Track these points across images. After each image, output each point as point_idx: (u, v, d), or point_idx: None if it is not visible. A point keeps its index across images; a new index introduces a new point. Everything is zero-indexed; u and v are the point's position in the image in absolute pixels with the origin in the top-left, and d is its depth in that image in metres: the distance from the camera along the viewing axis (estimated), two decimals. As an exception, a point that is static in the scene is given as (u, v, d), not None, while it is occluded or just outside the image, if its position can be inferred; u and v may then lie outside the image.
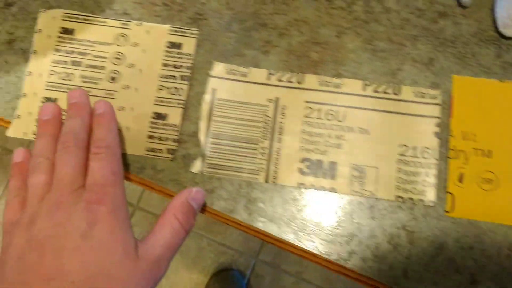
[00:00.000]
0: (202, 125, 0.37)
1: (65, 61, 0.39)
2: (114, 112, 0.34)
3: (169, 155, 0.37)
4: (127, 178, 0.37)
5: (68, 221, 0.29)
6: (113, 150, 0.32)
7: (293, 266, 1.16)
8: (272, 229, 0.36)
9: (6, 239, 0.30)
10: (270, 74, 0.38)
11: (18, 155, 0.35)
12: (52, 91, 0.38)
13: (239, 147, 0.37)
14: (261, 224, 0.36)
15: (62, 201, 0.29)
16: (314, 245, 0.35)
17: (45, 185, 0.31)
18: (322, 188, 0.36)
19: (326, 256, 0.35)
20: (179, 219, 0.32)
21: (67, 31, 0.39)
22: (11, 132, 0.37)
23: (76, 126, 0.33)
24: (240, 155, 0.37)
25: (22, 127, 0.38)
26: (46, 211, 0.29)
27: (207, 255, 1.18)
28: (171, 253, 0.31)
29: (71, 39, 0.39)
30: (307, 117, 0.37)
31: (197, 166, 0.37)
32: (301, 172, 0.36)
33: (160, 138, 0.37)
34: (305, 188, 0.36)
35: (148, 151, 0.37)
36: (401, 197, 0.35)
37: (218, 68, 0.38)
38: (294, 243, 0.35)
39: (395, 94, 0.37)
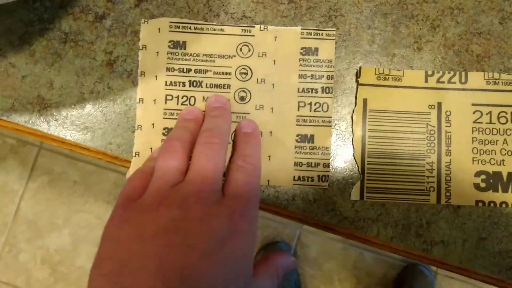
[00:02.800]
0: (356, 143, 0.32)
1: (182, 82, 0.32)
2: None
3: (323, 183, 0.32)
4: (275, 212, 0.32)
5: (207, 221, 0.25)
6: (258, 171, 0.29)
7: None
8: (453, 257, 0.31)
9: (117, 213, 0.26)
10: (428, 75, 0.32)
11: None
12: (173, 120, 0.32)
13: (402, 165, 0.32)
14: (439, 252, 0.31)
15: (202, 197, 0.26)
16: None
17: (177, 171, 0.27)
18: (503, 204, 0.31)
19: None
20: (279, 278, 0.29)
21: (178, 45, 0.33)
22: (131, 173, 0.31)
23: (222, 125, 0.30)
24: (405, 175, 0.32)
25: (143, 166, 0.31)
26: (181, 200, 0.25)
27: (250, 230, 1.14)
28: None
29: (185, 54, 0.32)
30: (476, 122, 0.32)
31: (356, 192, 0.32)
32: (478, 187, 0.32)
33: (309, 165, 0.32)
34: (484, 205, 0.31)
35: (296, 180, 0.32)
36: None
37: (366, 73, 0.32)
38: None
39: None
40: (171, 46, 0.33)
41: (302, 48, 0.33)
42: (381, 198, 0.32)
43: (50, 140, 0.32)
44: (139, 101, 0.32)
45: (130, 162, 0.32)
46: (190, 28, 0.33)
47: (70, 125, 0.32)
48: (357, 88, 0.32)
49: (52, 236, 1.11)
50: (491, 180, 0.32)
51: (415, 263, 1.07)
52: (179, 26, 0.33)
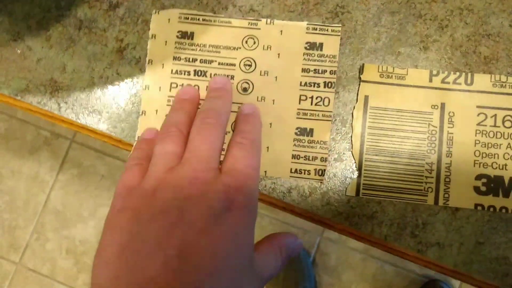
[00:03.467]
0: (355, 139, 0.32)
1: (187, 71, 0.33)
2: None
3: (319, 177, 0.32)
4: (270, 203, 0.32)
5: (202, 198, 0.25)
6: (257, 146, 0.29)
7: (360, 243, 1.12)
8: (448, 259, 0.31)
9: (117, 201, 0.26)
10: (433, 75, 0.32)
11: (149, 132, 0.32)
12: (176, 107, 0.33)
13: (401, 164, 0.31)
14: (434, 254, 0.31)
15: (197, 176, 0.26)
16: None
17: (174, 155, 0.27)
18: (503, 209, 0.31)
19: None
20: (282, 258, 0.28)
21: (186, 35, 0.33)
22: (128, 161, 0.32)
23: (219, 105, 0.30)
24: (403, 174, 0.31)
25: (145, 151, 0.32)
26: (176, 182, 0.26)
27: (270, 233, 1.14)
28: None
29: (192, 44, 0.33)
30: (480, 125, 0.31)
31: (352, 188, 0.32)
32: (478, 191, 0.31)
33: (306, 158, 0.32)
34: (483, 209, 0.31)
35: (292, 173, 0.32)
36: None
37: (370, 70, 0.32)
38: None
39: None
40: (179, 36, 0.34)
41: (306, 43, 0.33)
42: (377, 196, 0.32)
43: (59, 121, 0.34)
44: (145, 87, 0.33)
45: (133, 145, 0.33)
46: (198, 19, 0.34)
47: (79, 107, 0.34)
48: (359, 84, 0.32)
49: (78, 227, 1.14)
50: (492, 184, 0.31)
51: (436, 279, 1.05)
52: (188, 17, 0.34)
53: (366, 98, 0.32)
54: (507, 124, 0.31)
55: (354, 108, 0.32)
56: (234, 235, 0.25)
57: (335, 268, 1.12)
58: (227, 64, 0.33)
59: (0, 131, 1.17)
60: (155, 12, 0.34)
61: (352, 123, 0.32)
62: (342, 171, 0.32)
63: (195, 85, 0.33)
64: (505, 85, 0.32)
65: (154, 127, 0.33)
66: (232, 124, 0.32)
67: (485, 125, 0.31)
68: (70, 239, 1.14)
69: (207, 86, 0.33)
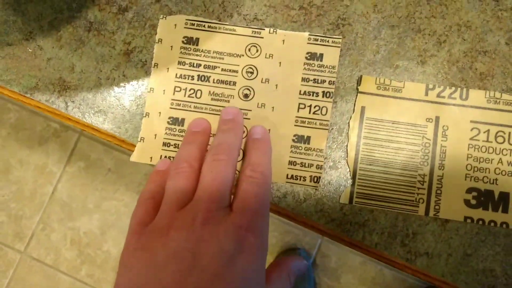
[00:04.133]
0: (350, 148, 0.33)
1: (191, 76, 0.34)
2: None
3: (314, 184, 0.33)
4: (265, 208, 0.33)
5: (215, 241, 0.26)
6: (267, 178, 0.30)
7: (360, 248, 1.12)
8: (436, 269, 0.31)
9: (132, 238, 0.27)
10: (429, 89, 0.33)
11: (163, 164, 0.32)
12: (179, 110, 0.34)
13: (394, 174, 0.32)
14: (422, 263, 0.31)
15: (209, 217, 0.26)
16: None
17: (185, 192, 0.28)
18: (492, 223, 0.31)
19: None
20: (291, 282, 0.30)
21: (191, 41, 0.35)
22: (135, 157, 0.34)
23: (231, 140, 0.30)
24: (396, 184, 0.32)
25: (147, 152, 0.34)
26: (189, 223, 0.26)
27: (272, 234, 1.15)
28: None
29: (196, 50, 0.34)
30: (473, 139, 0.32)
31: (345, 196, 0.32)
32: (468, 204, 0.32)
33: (302, 165, 0.33)
34: (473, 222, 0.31)
35: (288, 178, 0.33)
36: None
37: (367, 82, 0.33)
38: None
39: None
40: (185, 41, 0.35)
41: (307, 53, 0.34)
42: (369, 204, 0.32)
43: (66, 120, 0.35)
44: (150, 90, 0.35)
45: (135, 146, 0.34)
46: (204, 26, 0.35)
47: (86, 107, 0.35)
48: (356, 95, 0.33)
49: (83, 219, 1.16)
50: (482, 198, 0.32)
51: (434, 286, 1.05)
52: (194, 23, 0.35)
53: (363, 109, 0.33)
54: (500, 139, 0.32)
55: (350, 118, 0.33)
56: (246, 278, 0.25)
57: (334, 270, 1.13)
58: (230, 71, 0.34)
59: (10, 121, 1.19)
60: (162, 18, 0.35)
61: (348, 133, 0.33)
62: (337, 179, 0.33)
63: (198, 90, 0.34)
64: (499, 101, 0.32)
65: (156, 129, 0.34)
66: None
67: (478, 140, 0.32)
68: (75, 230, 1.16)
69: (209, 91, 0.34)
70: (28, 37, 0.35)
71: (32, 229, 1.16)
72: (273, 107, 0.34)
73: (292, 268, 0.30)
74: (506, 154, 0.32)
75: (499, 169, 0.32)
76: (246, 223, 0.27)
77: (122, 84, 0.35)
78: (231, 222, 0.27)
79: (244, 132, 0.33)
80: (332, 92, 0.33)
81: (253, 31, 0.34)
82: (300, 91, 0.34)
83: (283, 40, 0.34)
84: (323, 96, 0.34)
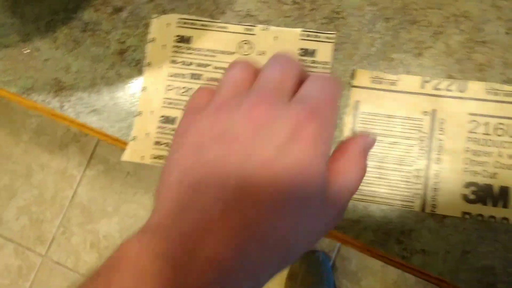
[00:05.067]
0: (344, 144, 0.32)
1: (183, 74, 0.34)
2: None
3: (308, 180, 0.32)
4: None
5: (267, 124, 0.22)
6: (337, 83, 0.25)
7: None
8: (433, 267, 0.30)
9: (182, 122, 0.25)
10: (425, 81, 0.32)
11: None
12: (171, 109, 0.34)
13: (389, 170, 0.31)
14: (419, 261, 0.31)
15: (265, 101, 0.23)
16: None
17: (243, 80, 0.25)
18: (491, 219, 0.30)
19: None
20: (364, 161, 0.25)
21: (183, 39, 0.35)
22: (126, 156, 0.34)
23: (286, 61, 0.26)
24: (391, 179, 0.31)
25: (139, 150, 0.34)
26: (242, 105, 0.23)
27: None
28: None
29: (189, 48, 0.34)
30: (471, 132, 0.31)
31: (340, 192, 0.32)
32: (466, 199, 0.31)
33: (296, 161, 0.32)
34: (471, 218, 0.30)
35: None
36: None
37: (361, 76, 0.33)
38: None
39: None
40: (177, 40, 0.35)
41: (300, 49, 0.34)
42: (364, 200, 0.32)
43: (61, 119, 0.35)
44: (143, 89, 0.35)
45: (127, 144, 0.34)
46: (196, 24, 0.35)
47: (80, 106, 0.35)
48: (350, 90, 0.33)
49: (102, 222, 1.17)
50: (481, 193, 0.31)
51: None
52: (187, 22, 0.35)
53: (357, 103, 0.32)
54: (499, 132, 0.31)
55: (344, 113, 0.32)
56: (297, 169, 0.22)
57: (355, 273, 1.11)
58: (222, 68, 0.34)
59: (32, 127, 1.22)
60: (156, 16, 0.35)
61: (342, 128, 0.32)
62: (330, 175, 0.32)
63: (190, 88, 0.34)
64: (499, 92, 0.31)
65: (148, 127, 0.34)
66: None
67: (477, 133, 0.31)
68: (94, 233, 1.17)
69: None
70: (25, 39, 0.36)
71: (53, 232, 1.18)
72: (266, 103, 0.33)
73: (361, 143, 0.25)
74: (506, 147, 0.31)
75: (499, 163, 0.31)
76: (308, 111, 0.23)
77: (116, 83, 0.35)
78: (292, 108, 0.23)
79: None
80: (325, 86, 0.33)
81: (245, 28, 0.34)
82: (293, 86, 0.33)
83: (276, 37, 0.34)
84: (316, 91, 0.33)
